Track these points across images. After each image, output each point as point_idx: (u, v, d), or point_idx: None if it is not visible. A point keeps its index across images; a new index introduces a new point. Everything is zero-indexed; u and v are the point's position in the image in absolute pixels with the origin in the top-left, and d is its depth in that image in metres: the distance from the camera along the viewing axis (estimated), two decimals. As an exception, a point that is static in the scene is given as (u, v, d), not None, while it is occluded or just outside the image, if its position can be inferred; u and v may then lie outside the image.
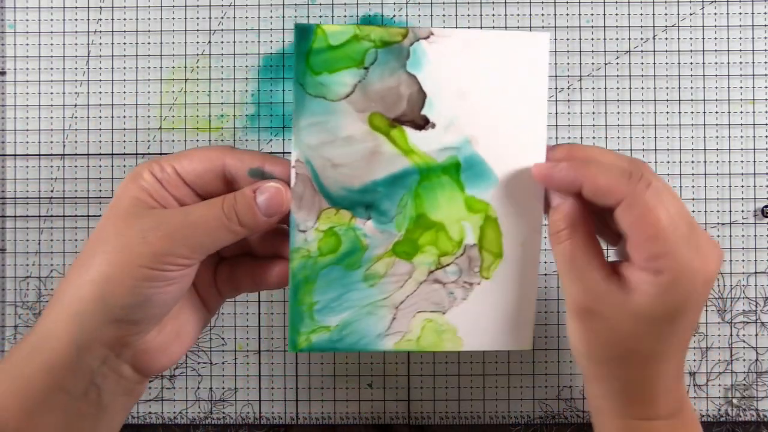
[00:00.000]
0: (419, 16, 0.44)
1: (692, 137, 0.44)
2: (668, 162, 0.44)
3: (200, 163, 0.32)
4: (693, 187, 0.44)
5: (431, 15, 0.44)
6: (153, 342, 0.32)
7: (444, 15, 0.44)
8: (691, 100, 0.44)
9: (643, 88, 0.44)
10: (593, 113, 0.44)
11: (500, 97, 0.34)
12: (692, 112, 0.44)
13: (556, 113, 0.44)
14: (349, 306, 0.34)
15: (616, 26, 0.44)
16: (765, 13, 0.44)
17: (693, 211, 0.44)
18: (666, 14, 0.44)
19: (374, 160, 0.33)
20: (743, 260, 0.44)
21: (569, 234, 0.31)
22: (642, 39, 0.44)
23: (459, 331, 0.35)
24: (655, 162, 0.44)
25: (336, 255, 0.34)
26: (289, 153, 0.32)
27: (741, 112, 0.44)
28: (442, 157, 0.34)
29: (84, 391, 0.30)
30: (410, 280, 0.35)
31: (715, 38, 0.44)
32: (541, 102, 0.34)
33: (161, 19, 0.45)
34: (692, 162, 0.44)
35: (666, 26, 0.44)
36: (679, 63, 0.44)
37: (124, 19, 0.45)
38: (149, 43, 0.45)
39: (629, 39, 0.44)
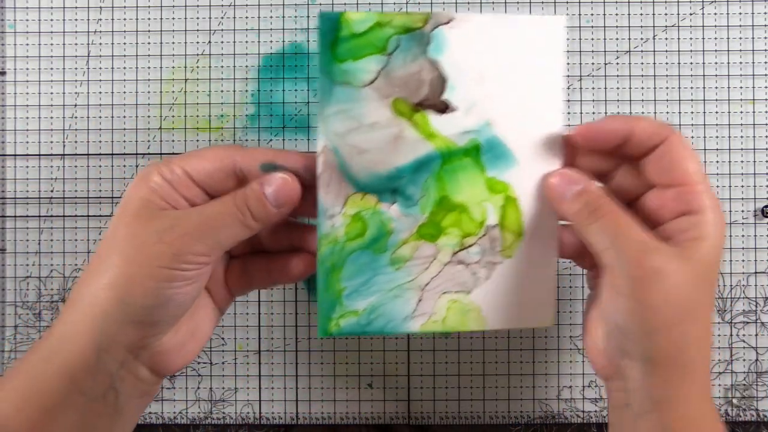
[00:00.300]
0: (419, 16, 0.44)
1: (692, 137, 0.44)
2: (668, 162, 0.44)
3: (210, 162, 0.32)
4: (693, 187, 0.44)
5: (431, 15, 0.44)
6: (170, 342, 0.32)
7: (444, 15, 0.44)
8: (691, 100, 0.44)
9: (643, 88, 0.44)
10: (593, 113, 0.44)
11: (519, 80, 0.34)
12: (692, 112, 0.44)
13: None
14: (376, 290, 0.35)
15: (616, 26, 0.44)
16: (765, 13, 0.44)
17: (693, 211, 0.44)
18: (666, 14, 0.44)
19: (398, 145, 0.34)
20: (743, 260, 0.44)
21: (610, 204, 0.32)
22: (642, 39, 0.44)
23: (483, 311, 0.36)
24: (655, 162, 0.44)
25: (363, 240, 0.35)
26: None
27: (741, 112, 0.44)
28: (463, 141, 0.34)
29: (102, 394, 0.30)
30: (435, 262, 0.35)
31: (715, 38, 0.44)
32: (558, 84, 0.35)
33: (161, 19, 0.45)
34: (692, 162, 0.44)
35: (666, 26, 0.44)
36: (679, 63, 0.44)
37: (124, 19, 0.45)
38: (149, 43, 0.45)
39: (629, 39, 0.44)
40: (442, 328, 0.36)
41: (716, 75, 0.44)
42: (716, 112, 0.44)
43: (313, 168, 0.33)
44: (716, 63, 0.44)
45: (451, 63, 0.34)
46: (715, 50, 0.44)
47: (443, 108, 0.34)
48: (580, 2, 0.44)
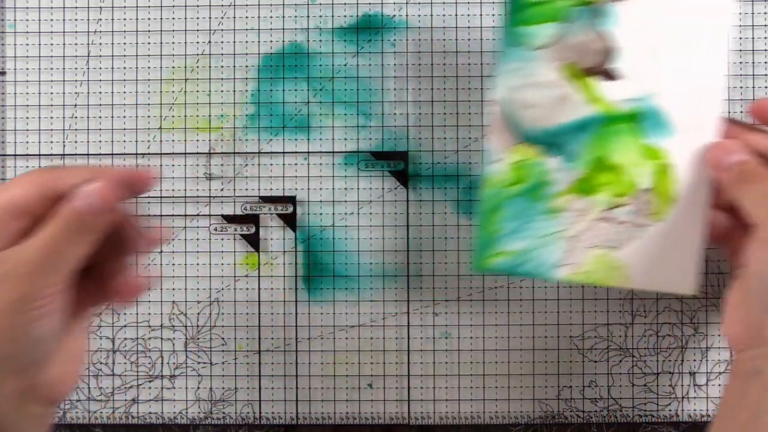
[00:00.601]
0: (419, 16, 0.44)
1: (692, 137, 0.44)
2: (668, 162, 0.44)
3: (27, 188, 0.30)
4: (693, 187, 0.44)
5: (431, 15, 0.44)
6: (53, 374, 0.31)
7: (444, 15, 0.44)
8: (691, 100, 0.44)
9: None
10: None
11: (684, 54, 0.37)
12: (692, 112, 0.44)
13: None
14: (529, 235, 0.38)
15: None
16: (765, 13, 0.44)
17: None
18: None
19: (563, 104, 0.37)
20: (743, 260, 0.44)
21: (766, 171, 0.34)
22: None
23: (628, 269, 0.37)
24: (655, 162, 0.44)
25: (522, 186, 0.37)
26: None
27: (741, 113, 0.44)
28: (625, 107, 0.37)
29: None
30: (586, 217, 0.38)
31: (715, 38, 0.44)
32: (721, 60, 0.37)
33: (161, 19, 0.45)
34: (692, 162, 0.44)
35: None
36: (679, 63, 0.44)
37: (124, 19, 0.45)
38: (149, 43, 0.45)
39: None
40: (586, 279, 0.38)
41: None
42: (716, 112, 0.44)
43: (131, 180, 0.32)
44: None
45: (621, 35, 0.37)
46: (715, 50, 0.44)
47: (610, 75, 0.37)
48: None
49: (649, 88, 0.37)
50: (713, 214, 0.37)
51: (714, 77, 0.37)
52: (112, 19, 0.45)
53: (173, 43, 0.45)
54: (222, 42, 0.45)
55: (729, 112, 0.44)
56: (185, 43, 0.45)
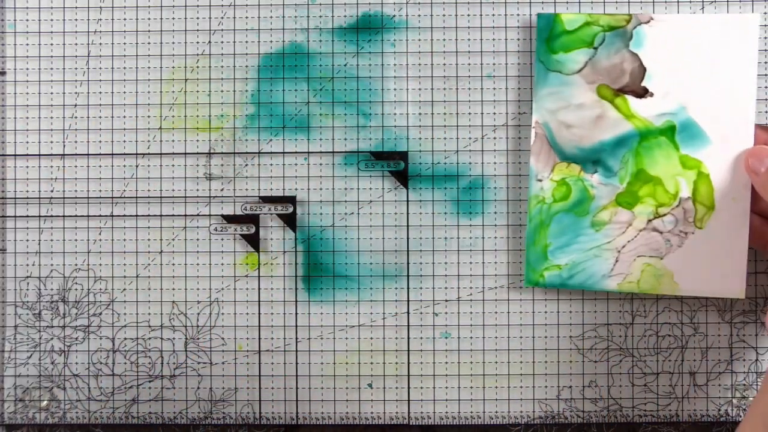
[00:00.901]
0: (419, 16, 0.44)
1: (692, 137, 0.44)
2: (668, 162, 0.44)
3: None
4: (693, 187, 0.44)
5: (431, 15, 0.44)
6: None
7: (444, 15, 0.44)
8: (691, 100, 0.44)
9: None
10: None
11: (713, 70, 0.39)
12: (692, 112, 0.44)
13: (556, 113, 0.44)
14: (577, 248, 0.40)
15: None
16: (765, 13, 0.44)
17: (693, 211, 0.44)
18: (666, 14, 0.44)
19: (601, 123, 0.40)
20: (743, 260, 0.44)
21: None
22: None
23: (675, 276, 0.40)
24: (655, 162, 0.44)
25: (567, 202, 0.40)
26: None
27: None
28: (659, 122, 0.40)
29: None
30: (631, 228, 0.40)
31: (715, 38, 0.44)
32: (751, 73, 0.39)
33: (161, 19, 0.45)
34: (692, 162, 0.44)
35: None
36: (679, 63, 0.44)
37: (124, 19, 0.45)
38: (149, 43, 0.45)
39: None
40: (637, 289, 0.40)
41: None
42: (716, 112, 0.44)
43: None
44: (716, 63, 0.44)
45: (650, 55, 0.40)
46: (715, 50, 0.44)
47: (642, 93, 0.40)
48: (580, 2, 0.44)
49: (680, 102, 0.39)
50: (752, 218, 0.39)
51: (745, 90, 0.39)
52: (112, 19, 0.45)
53: (173, 43, 0.45)
54: (222, 42, 0.45)
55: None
56: (185, 43, 0.45)
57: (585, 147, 0.40)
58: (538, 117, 0.41)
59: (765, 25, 0.44)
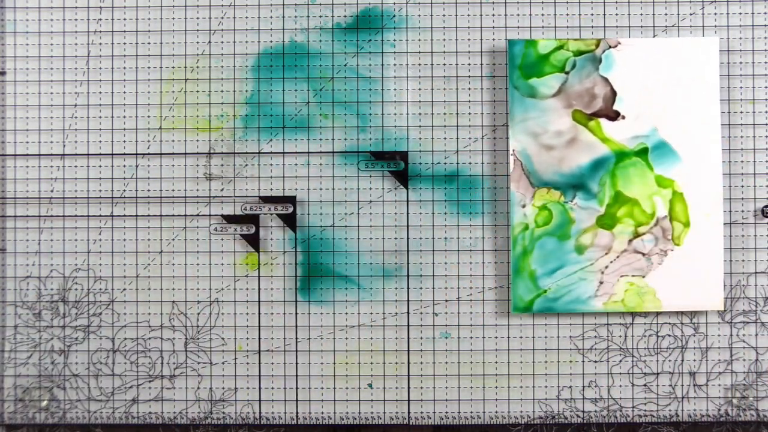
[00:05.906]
0: (419, 16, 0.44)
1: (692, 137, 0.44)
2: (668, 162, 0.44)
3: None
4: (693, 187, 0.44)
5: (431, 15, 0.44)
6: None
7: (444, 15, 0.44)
8: (691, 100, 0.44)
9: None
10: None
11: (679, 91, 0.41)
12: (692, 112, 0.44)
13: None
14: (561, 273, 0.41)
15: (617, 26, 0.44)
16: (765, 13, 0.44)
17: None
18: (666, 14, 0.44)
19: (577, 147, 0.41)
20: (743, 260, 0.44)
21: None
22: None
23: (658, 293, 0.41)
24: (655, 162, 0.44)
25: (549, 226, 0.41)
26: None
27: (741, 112, 0.44)
28: (633, 144, 0.41)
29: None
30: (613, 249, 0.41)
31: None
32: (714, 92, 0.41)
33: (161, 19, 0.45)
34: (692, 162, 0.44)
35: (666, 26, 0.44)
36: (679, 63, 0.44)
37: (124, 19, 0.45)
38: (149, 43, 0.45)
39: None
40: (622, 307, 0.42)
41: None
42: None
43: None
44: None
45: (619, 79, 0.41)
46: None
47: (614, 116, 0.41)
48: (580, 2, 0.44)
49: (652, 124, 0.41)
50: None
51: (710, 108, 0.41)
52: (112, 19, 0.45)
53: (173, 43, 0.45)
54: (222, 42, 0.45)
55: (730, 112, 0.44)
56: (185, 43, 0.45)
57: (564, 171, 0.41)
58: (516, 144, 0.41)
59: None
